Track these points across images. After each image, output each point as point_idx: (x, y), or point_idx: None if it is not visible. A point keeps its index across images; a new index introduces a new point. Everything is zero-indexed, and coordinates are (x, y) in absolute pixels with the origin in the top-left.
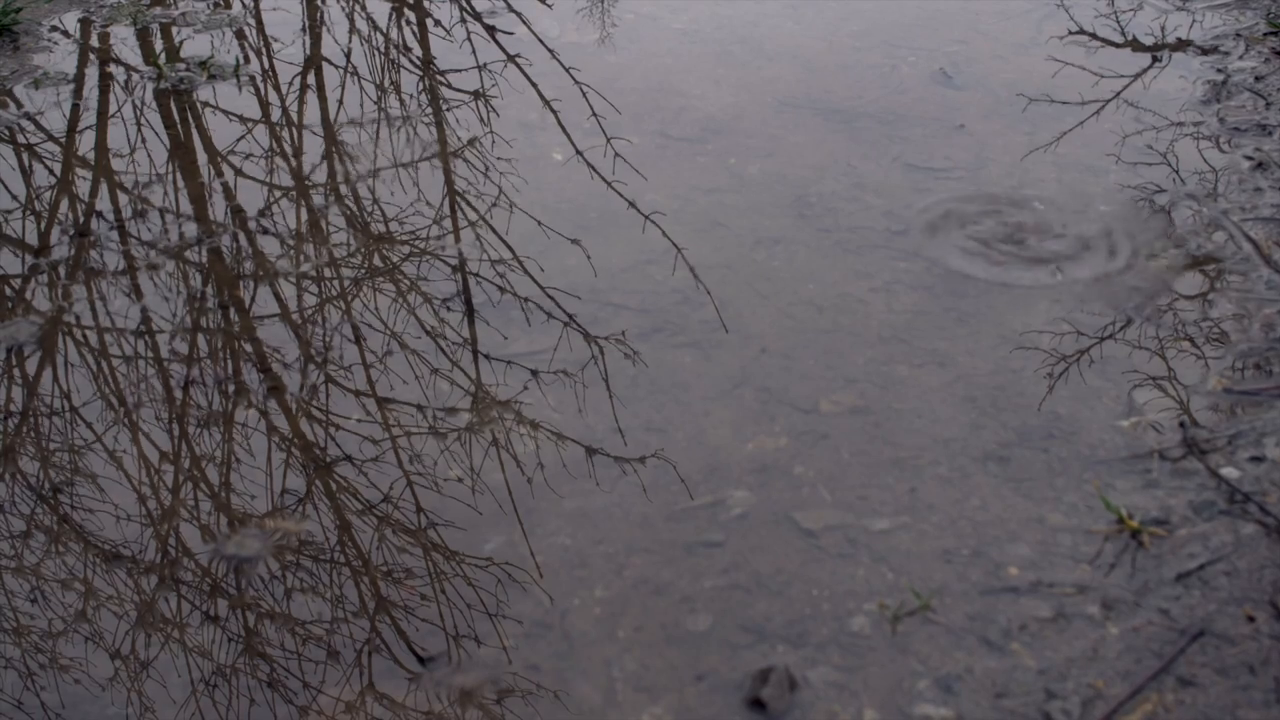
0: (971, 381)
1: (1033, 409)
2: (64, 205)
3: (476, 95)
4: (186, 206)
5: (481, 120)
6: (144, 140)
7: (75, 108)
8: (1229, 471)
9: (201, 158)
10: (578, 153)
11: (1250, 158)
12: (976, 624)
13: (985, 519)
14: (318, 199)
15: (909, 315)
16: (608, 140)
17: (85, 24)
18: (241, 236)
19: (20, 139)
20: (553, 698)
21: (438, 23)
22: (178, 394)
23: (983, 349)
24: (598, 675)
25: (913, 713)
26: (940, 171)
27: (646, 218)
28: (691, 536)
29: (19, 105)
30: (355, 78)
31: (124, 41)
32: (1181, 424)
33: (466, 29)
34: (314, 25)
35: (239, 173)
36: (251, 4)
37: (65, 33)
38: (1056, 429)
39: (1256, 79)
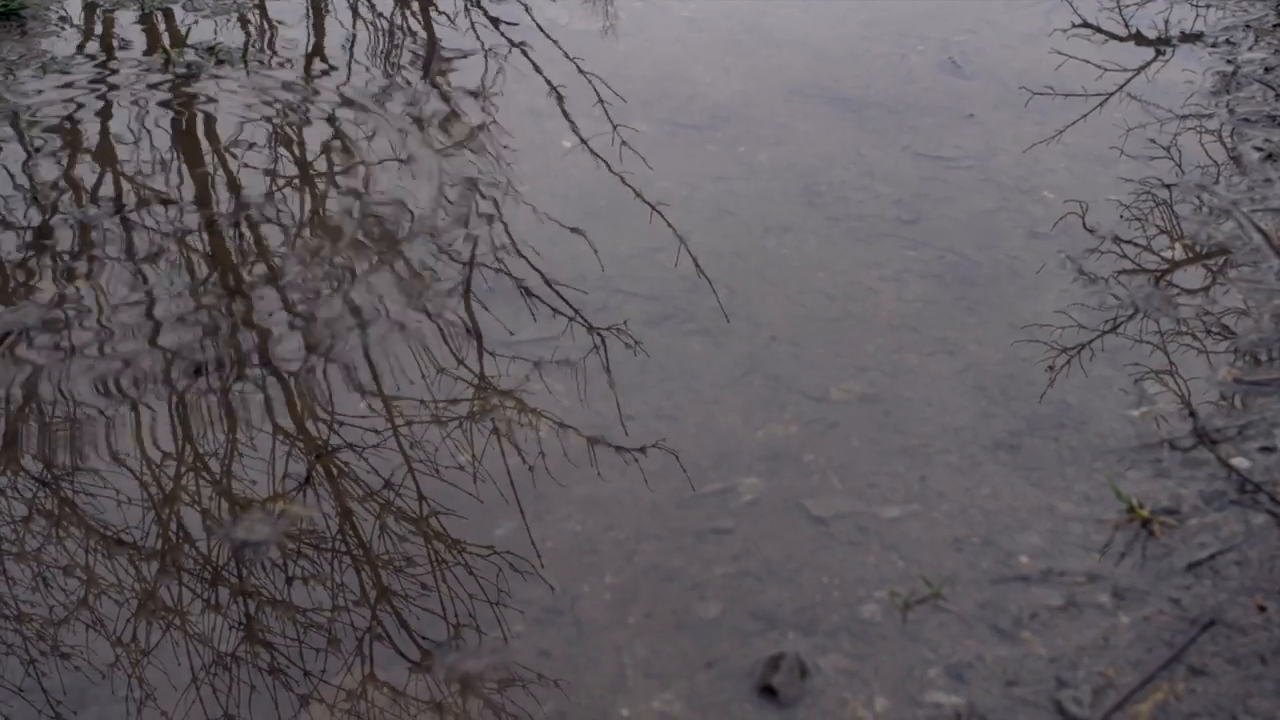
0: (981, 370)
1: (1043, 398)
2: (68, 191)
3: (477, 94)
4: (190, 192)
5: (484, 111)
6: (147, 127)
7: (81, 93)
8: (1240, 461)
9: (206, 144)
10: (583, 142)
11: (1260, 149)
12: (987, 612)
13: (996, 507)
14: (322, 186)
15: (918, 304)
16: (614, 128)
17: (91, 9)
18: (245, 223)
19: (26, 124)
20: (564, 683)
21: (441, 12)
22: (180, 380)
23: (992, 338)
24: (608, 662)
25: (924, 700)
26: (950, 160)
27: (654, 208)
28: (702, 523)
29: (25, 91)
30: (360, 65)
31: (130, 26)
32: (1192, 414)
33: (470, 19)
34: (319, 13)
35: (243, 162)
36: None
37: (72, 17)
38: (1067, 418)
39: (1266, 70)
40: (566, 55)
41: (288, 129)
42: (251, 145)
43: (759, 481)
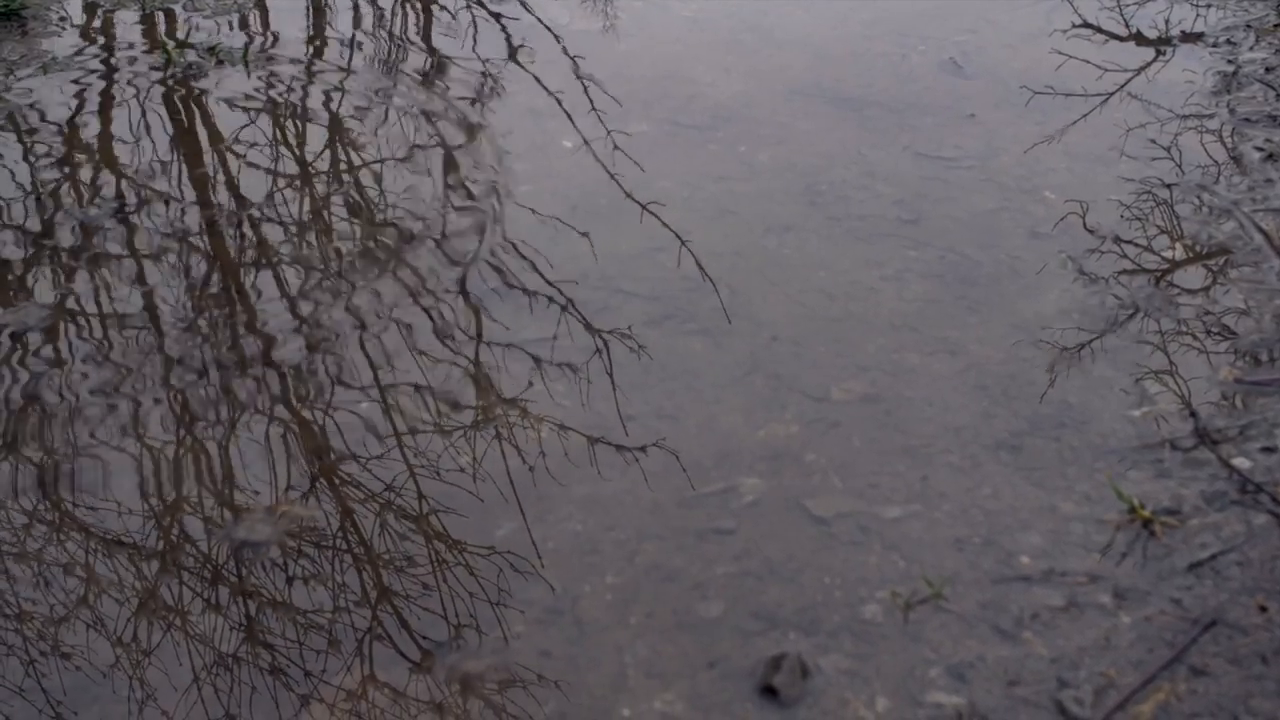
0: (983, 370)
1: (1044, 398)
2: (68, 191)
3: (478, 94)
4: (191, 192)
5: (484, 111)
6: (149, 126)
7: (82, 93)
8: (1241, 462)
9: (207, 143)
10: (584, 144)
11: (1261, 149)
12: (989, 612)
13: (997, 507)
14: (323, 186)
15: (920, 303)
16: (608, 132)
17: (92, 9)
18: (245, 222)
19: (26, 124)
20: (565, 684)
21: (443, 8)
22: (182, 381)
23: (994, 337)
24: (609, 662)
25: (925, 700)
26: (950, 160)
27: (644, 208)
28: (703, 523)
29: (26, 90)
30: (360, 65)
31: (131, 26)
32: (1193, 414)
33: (472, 15)
34: (319, 12)
35: (244, 161)
36: None
37: (72, 18)
38: (1068, 418)
39: (1267, 70)
40: (568, 54)
41: (287, 129)
42: (253, 144)
43: (760, 481)
